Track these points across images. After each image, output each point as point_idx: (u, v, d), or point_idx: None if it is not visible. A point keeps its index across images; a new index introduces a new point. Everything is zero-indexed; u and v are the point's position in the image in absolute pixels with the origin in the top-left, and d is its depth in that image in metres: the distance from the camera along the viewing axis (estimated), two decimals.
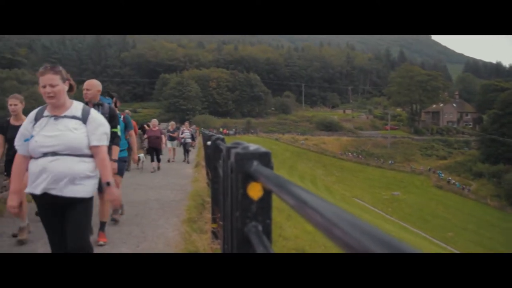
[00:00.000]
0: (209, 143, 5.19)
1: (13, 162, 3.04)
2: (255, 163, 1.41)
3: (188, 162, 15.62)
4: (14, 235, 4.85)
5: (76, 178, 2.83)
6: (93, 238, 4.56)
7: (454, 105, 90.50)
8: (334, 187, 46.68)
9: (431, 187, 51.43)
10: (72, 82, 3.07)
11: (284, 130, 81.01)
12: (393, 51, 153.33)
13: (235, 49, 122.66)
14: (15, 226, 4.87)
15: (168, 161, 15.61)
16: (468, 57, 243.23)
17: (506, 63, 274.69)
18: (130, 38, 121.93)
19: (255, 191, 1.44)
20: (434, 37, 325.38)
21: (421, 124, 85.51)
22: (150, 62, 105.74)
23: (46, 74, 2.84)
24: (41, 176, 2.79)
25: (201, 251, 4.18)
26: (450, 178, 54.76)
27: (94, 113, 3.06)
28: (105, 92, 5.26)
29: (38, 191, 2.82)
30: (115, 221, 5.60)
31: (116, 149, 4.83)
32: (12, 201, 2.91)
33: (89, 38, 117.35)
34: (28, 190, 2.89)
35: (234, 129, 73.11)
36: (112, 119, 4.56)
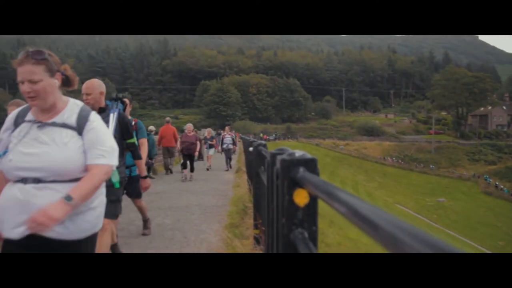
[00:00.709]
0: (251, 149, 5.17)
1: None
2: (301, 169, 1.40)
3: (230, 167, 15.16)
4: None
5: (72, 214, 1.92)
6: None
7: (504, 107, 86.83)
8: (376, 193, 45.78)
9: (479, 194, 49.30)
10: (70, 73, 2.12)
11: (324, 135, 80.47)
12: (437, 53, 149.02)
13: (274, 55, 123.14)
14: None
15: (207, 169, 14.99)
16: None
17: None
18: (171, 46, 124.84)
19: (301, 197, 1.43)
20: (482, 37, 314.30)
21: (468, 128, 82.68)
22: (190, 69, 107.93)
23: (24, 65, 1.92)
24: (18, 213, 1.88)
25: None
26: (497, 183, 52.31)
27: (94, 118, 2.11)
28: (114, 97, 4.19)
29: (16, 234, 1.89)
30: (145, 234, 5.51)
31: (140, 164, 4.17)
32: None
33: (132, 47, 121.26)
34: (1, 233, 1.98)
35: (274, 135, 73.21)
36: (125, 128, 3.81)
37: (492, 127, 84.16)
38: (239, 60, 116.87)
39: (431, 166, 60.48)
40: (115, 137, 2.64)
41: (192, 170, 11.67)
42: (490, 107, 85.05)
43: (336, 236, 8.08)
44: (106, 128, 2.18)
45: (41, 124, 1.98)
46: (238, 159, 18.95)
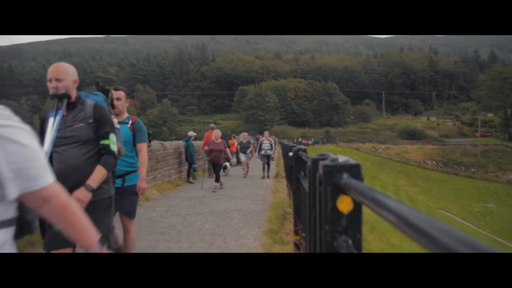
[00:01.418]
0: (290, 154, 5.13)
1: None
2: (345, 175, 1.36)
3: (267, 177, 14.24)
4: None
5: None
6: None
7: None
8: (419, 198, 44.48)
9: None
10: None
11: (364, 139, 79.28)
12: (482, 52, 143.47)
13: (311, 59, 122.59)
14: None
15: (244, 176, 14.67)
16: None
17: None
18: (209, 52, 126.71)
19: (345, 204, 1.39)
20: None
21: None
22: (228, 75, 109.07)
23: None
24: None
25: None
26: None
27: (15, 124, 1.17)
28: (95, 84, 3.38)
29: None
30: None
31: (99, 172, 2.76)
32: None
33: (171, 55, 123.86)
34: None
35: (312, 139, 72.77)
36: (99, 124, 2.85)
37: None
38: (276, 64, 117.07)
39: (472, 169, 58.12)
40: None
41: (217, 180, 11.02)
42: None
43: (378, 242, 7.90)
44: (31, 136, 1.22)
45: None
46: (277, 163, 18.92)
